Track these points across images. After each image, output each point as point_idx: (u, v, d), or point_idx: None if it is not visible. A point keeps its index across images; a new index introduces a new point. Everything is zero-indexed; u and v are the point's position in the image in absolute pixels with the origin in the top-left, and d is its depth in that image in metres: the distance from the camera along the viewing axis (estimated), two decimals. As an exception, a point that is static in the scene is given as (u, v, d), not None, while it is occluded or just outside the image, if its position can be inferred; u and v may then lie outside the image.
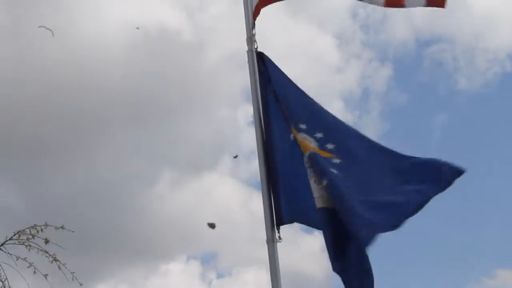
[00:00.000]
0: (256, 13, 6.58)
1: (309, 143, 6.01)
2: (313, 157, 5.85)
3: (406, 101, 25.07)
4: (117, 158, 21.48)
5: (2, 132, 20.10)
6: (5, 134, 20.17)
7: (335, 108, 24.07)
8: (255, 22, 6.56)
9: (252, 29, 6.56)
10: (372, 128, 23.86)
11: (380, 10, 27.17)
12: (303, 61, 24.10)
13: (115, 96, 21.52)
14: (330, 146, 6.03)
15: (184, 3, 23.54)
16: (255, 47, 6.51)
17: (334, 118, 6.23)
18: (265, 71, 6.38)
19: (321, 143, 6.03)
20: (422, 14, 27.00)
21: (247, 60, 6.47)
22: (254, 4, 6.59)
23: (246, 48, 6.55)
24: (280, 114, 6.24)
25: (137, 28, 18.64)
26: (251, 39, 6.52)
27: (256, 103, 6.45)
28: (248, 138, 21.43)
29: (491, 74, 25.55)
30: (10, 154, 20.19)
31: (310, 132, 6.08)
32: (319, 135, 6.09)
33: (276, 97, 6.28)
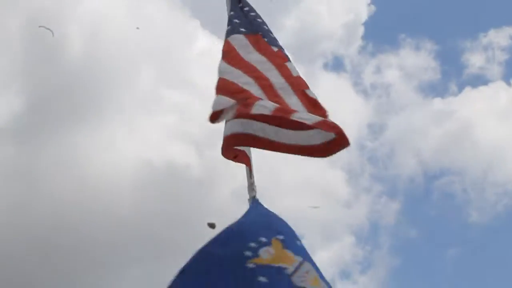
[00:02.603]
0: (247, 162, 6.73)
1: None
2: None
3: (416, 235, 24.98)
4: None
5: (12, 265, 20.05)
6: (15, 266, 20.12)
7: (347, 242, 23.99)
8: (252, 170, 6.67)
9: (251, 178, 6.65)
10: (383, 263, 23.69)
11: (388, 144, 27.37)
12: (315, 195, 24.17)
13: (124, 231, 21.55)
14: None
15: (193, 140, 23.82)
16: (253, 195, 6.57)
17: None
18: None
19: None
20: (429, 147, 27.26)
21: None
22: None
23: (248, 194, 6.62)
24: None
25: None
26: (251, 187, 6.61)
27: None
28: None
29: (501, 207, 25.53)
30: (11, 281, 20.09)
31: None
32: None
33: None
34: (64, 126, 23.53)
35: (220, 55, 7.11)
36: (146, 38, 25.67)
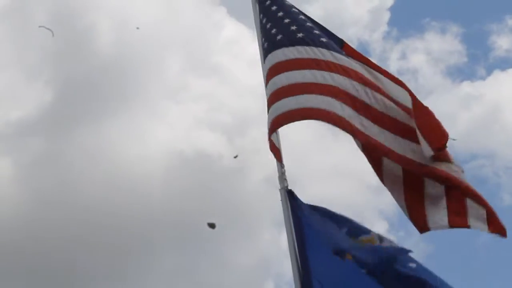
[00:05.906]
0: (276, 153, 6.65)
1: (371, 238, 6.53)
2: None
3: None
4: (159, 285, 21.34)
5: (41, 255, 20.17)
6: (44, 257, 20.23)
7: (380, 228, 23.86)
8: (282, 161, 6.62)
9: (282, 168, 6.60)
10: (416, 249, 23.53)
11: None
12: (345, 181, 24.07)
13: (156, 221, 21.55)
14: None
15: (224, 128, 23.77)
16: (286, 185, 6.53)
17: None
18: (296, 207, 6.43)
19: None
20: (458, 132, 27.01)
21: (280, 198, 6.50)
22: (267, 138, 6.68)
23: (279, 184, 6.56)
24: (319, 243, 6.34)
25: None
26: (282, 177, 6.57)
27: (291, 237, 6.48)
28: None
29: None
30: (48, 276, 20.19)
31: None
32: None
33: (313, 228, 6.35)
34: (93, 116, 23.59)
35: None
36: (173, 26, 25.65)
